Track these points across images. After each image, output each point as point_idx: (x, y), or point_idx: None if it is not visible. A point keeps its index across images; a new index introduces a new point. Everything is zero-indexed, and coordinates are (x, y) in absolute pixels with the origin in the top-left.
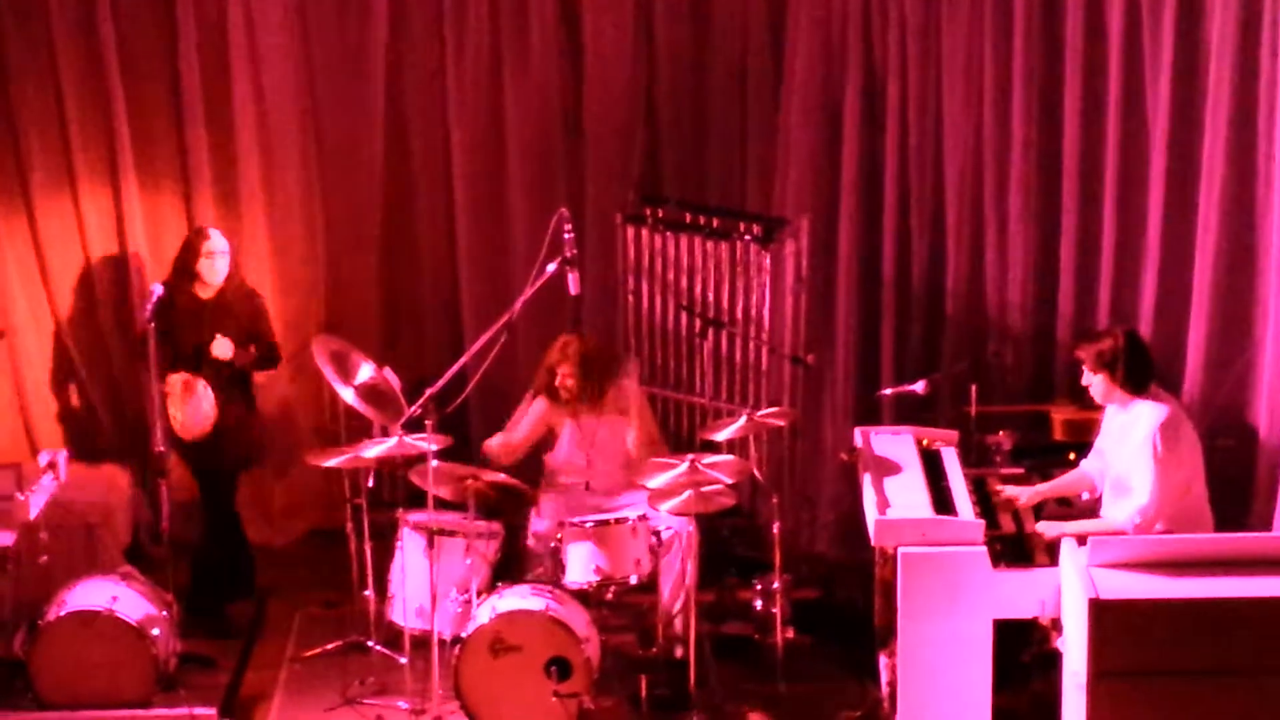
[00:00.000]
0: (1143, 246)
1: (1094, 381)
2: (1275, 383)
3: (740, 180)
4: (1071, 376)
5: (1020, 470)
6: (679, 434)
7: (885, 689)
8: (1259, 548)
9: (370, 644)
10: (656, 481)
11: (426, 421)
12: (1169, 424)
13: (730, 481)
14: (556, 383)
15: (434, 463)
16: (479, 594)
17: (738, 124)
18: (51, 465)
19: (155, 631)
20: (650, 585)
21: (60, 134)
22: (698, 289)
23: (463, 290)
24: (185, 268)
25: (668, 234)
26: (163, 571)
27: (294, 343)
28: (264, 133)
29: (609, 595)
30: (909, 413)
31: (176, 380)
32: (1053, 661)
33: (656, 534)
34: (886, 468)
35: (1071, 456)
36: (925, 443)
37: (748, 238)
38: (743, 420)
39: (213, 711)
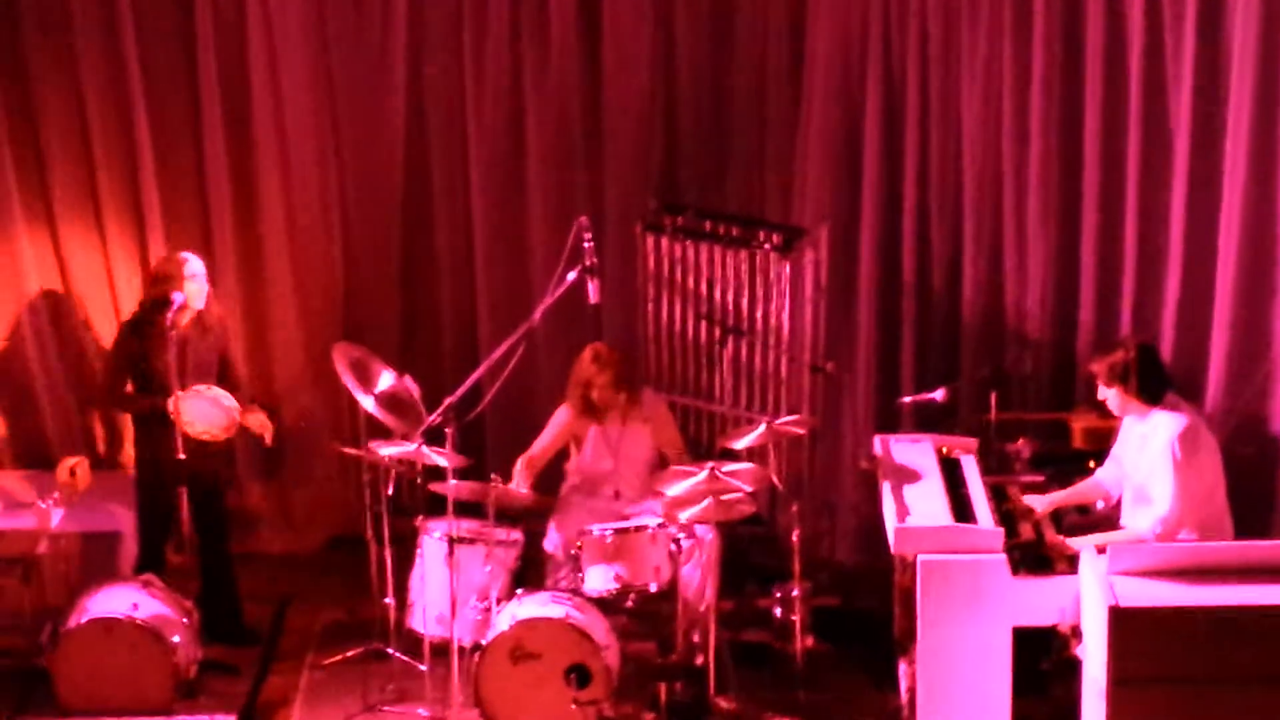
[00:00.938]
0: (1165, 253)
1: (1109, 395)
2: None
3: (760, 189)
4: (1091, 385)
5: (1040, 478)
6: (699, 442)
7: (905, 696)
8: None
9: (390, 651)
10: (677, 489)
11: (446, 430)
12: (1188, 433)
13: (750, 489)
14: (594, 395)
15: (452, 481)
16: (499, 601)
17: (757, 133)
18: (72, 472)
19: (176, 638)
20: (670, 592)
21: (82, 139)
22: (717, 297)
23: (480, 299)
24: (163, 293)
25: (687, 242)
26: (183, 579)
27: (314, 351)
28: (283, 139)
29: (628, 603)
30: (929, 420)
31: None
32: (1072, 669)
33: (676, 542)
34: (906, 475)
35: (1091, 465)
36: (945, 450)
37: (767, 246)
38: (762, 428)
39: (233, 718)
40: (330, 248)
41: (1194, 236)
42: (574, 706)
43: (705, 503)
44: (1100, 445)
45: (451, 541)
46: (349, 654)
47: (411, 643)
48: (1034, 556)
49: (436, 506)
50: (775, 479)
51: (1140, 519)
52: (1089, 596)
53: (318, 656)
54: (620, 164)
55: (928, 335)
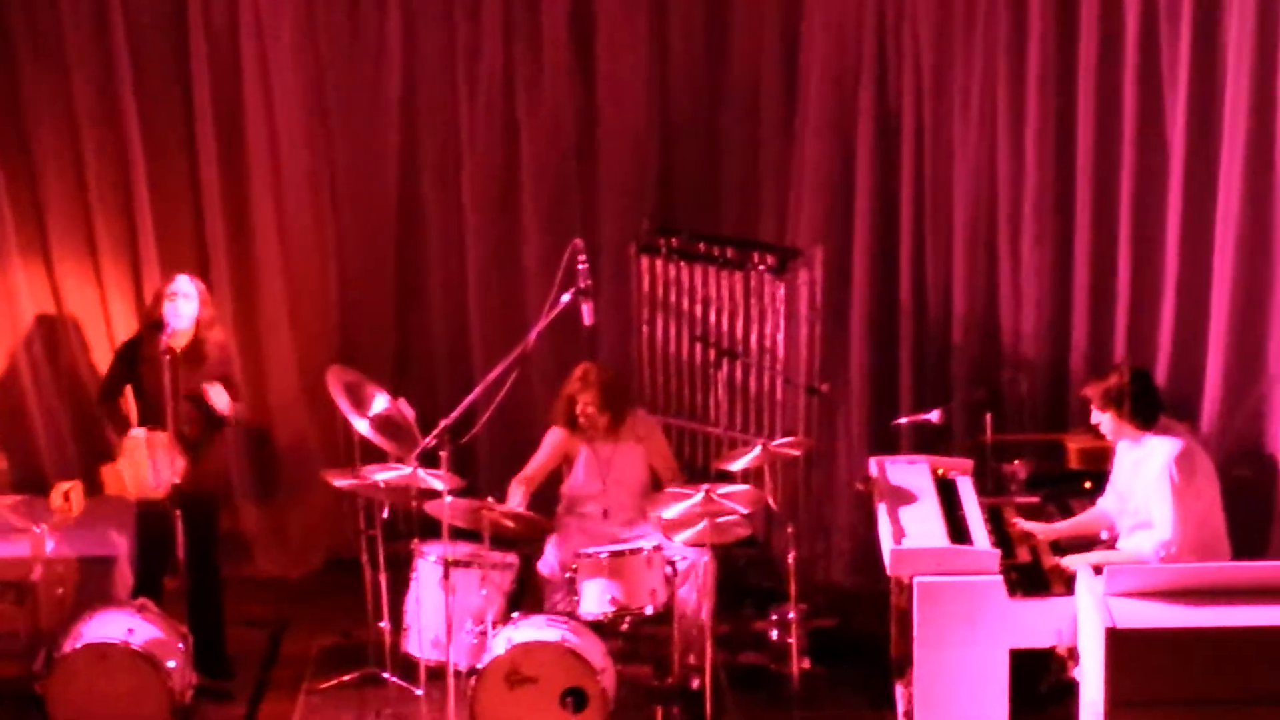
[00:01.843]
0: (1160, 275)
1: (1103, 420)
2: None
3: (754, 210)
4: (1085, 407)
5: (1036, 499)
6: (694, 464)
7: (902, 719)
8: (1277, 577)
9: (386, 676)
10: (672, 511)
11: (441, 454)
12: (1184, 456)
13: (746, 512)
14: (577, 410)
15: (448, 499)
16: (494, 625)
17: (751, 154)
18: (66, 497)
19: (171, 664)
20: (666, 615)
21: (76, 169)
22: (712, 319)
23: (474, 321)
24: (152, 315)
25: (682, 264)
26: (177, 604)
27: (308, 375)
28: (277, 164)
29: (624, 626)
30: (924, 442)
31: (140, 435)
32: (1070, 691)
33: (672, 564)
34: (902, 497)
35: (1087, 485)
36: (940, 472)
37: (762, 268)
38: (758, 450)
39: None
40: (325, 272)
41: (1188, 258)
42: None
43: (701, 525)
44: (1096, 466)
45: (447, 565)
46: (345, 678)
47: (407, 667)
48: (1031, 578)
49: (432, 530)
50: (771, 501)
51: (1139, 540)
52: (1086, 618)
53: (313, 681)
54: (615, 186)
55: (923, 356)
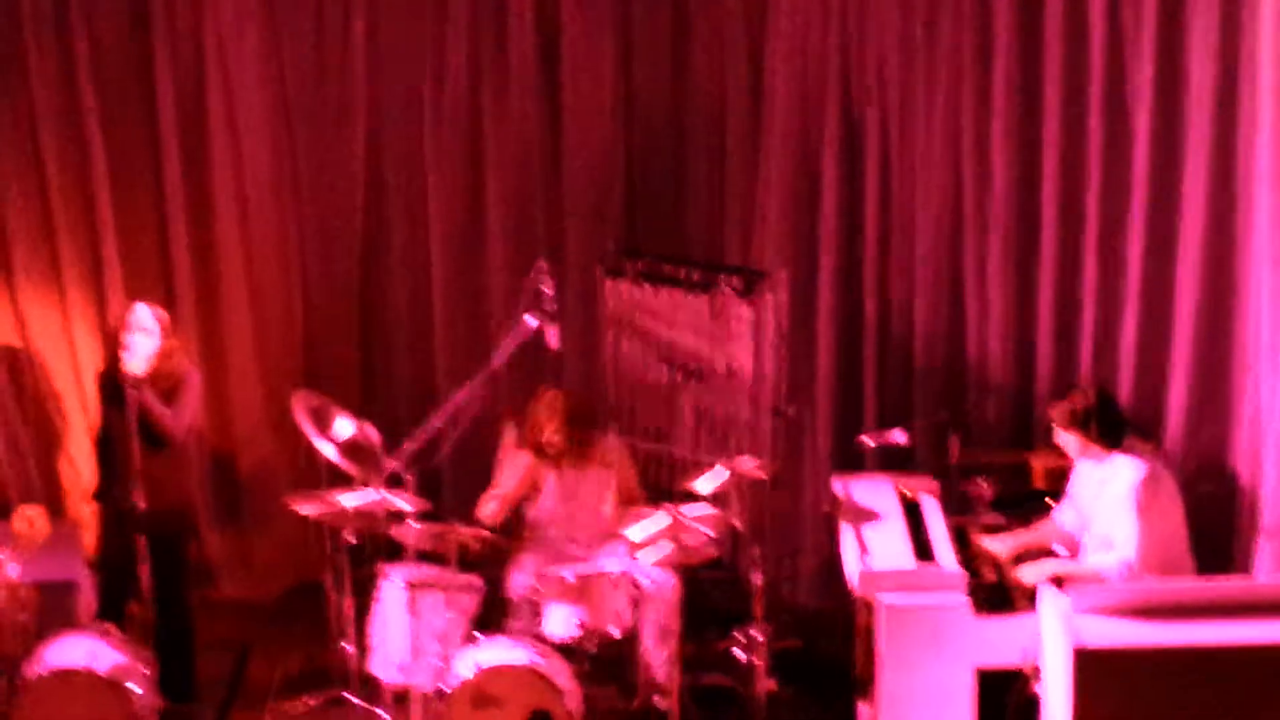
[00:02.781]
0: (1123, 296)
1: (1068, 440)
2: (1254, 428)
3: (720, 232)
4: (1050, 427)
5: (1001, 519)
6: (659, 486)
7: None
8: (1243, 594)
9: (352, 698)
10: (636, 533)
11: (406, 477)
12: (1149, 479)
13: (711, 533)
14: (543, 438)
15: (414, 524)
16: (460, 647)
17: (717, 177)
18: (29, 521)
19: (135, 689)
20: (632, 637)
21: (40, 194)
22: (678, 340)
23: (439, 344)
24: (117, 340)
25: (647, 286)
26: (141, 628)
27: (273, 399)
28: (241, 188)
29: (590, 648)
30: (890, 462)
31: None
32: (1037, 708)
33: (637, 586)
34: (867, 517)
35: (1052, 504)
36: (906, 492)
37: (727, 290)
38: (722, 472)
39: None
40: (289, 296)
41: (1152, 279)
42: None
43: (666, 546)
44: (1062, 485)
45: (412, 587)
46: (310, 701)
47: (373, 689)
48: (996, 596)
49: (398, 553)
50: (736, 522)
51: (1102, 558)
52: (1050, 636)
53: (278, 704)
54: (580, 208)
55: (888, 378)
